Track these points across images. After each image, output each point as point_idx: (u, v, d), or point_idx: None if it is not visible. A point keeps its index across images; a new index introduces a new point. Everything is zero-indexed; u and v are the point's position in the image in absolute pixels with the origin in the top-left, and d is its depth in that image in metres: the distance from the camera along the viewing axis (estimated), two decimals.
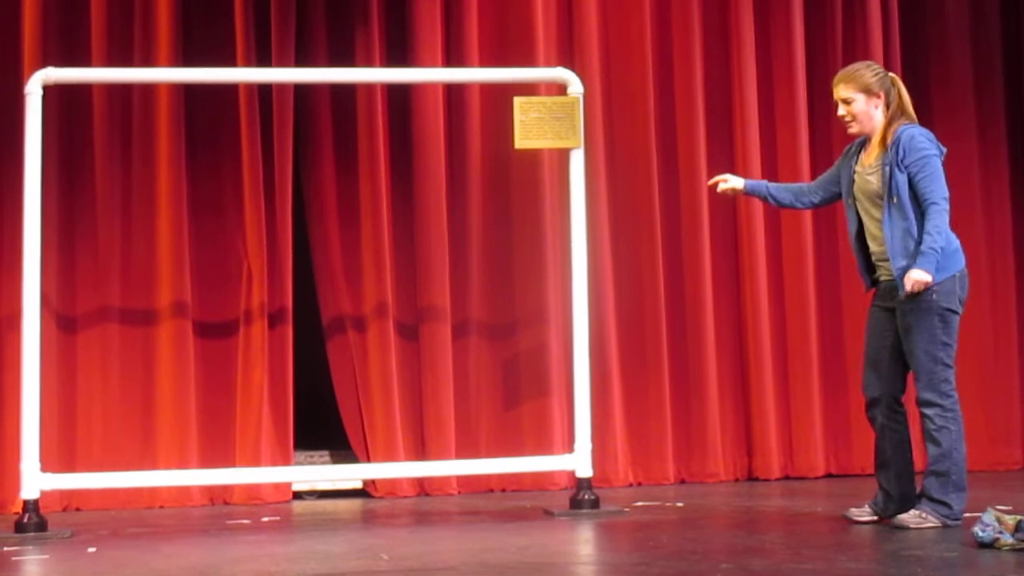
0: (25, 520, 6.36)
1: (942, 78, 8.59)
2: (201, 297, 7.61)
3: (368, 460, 7.61)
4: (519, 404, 7.87)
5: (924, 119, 6.50)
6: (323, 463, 7.86)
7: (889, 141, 5.96)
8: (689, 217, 8.16)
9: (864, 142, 6.17)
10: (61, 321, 7.40)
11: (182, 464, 7.34)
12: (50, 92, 6.77)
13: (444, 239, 7.80)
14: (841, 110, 6.13)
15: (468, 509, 7.10)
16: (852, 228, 6.18)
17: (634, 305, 8.08)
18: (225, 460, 7.44)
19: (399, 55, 7.86)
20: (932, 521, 5.81)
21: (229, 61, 7.58)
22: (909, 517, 5.84)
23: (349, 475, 7.45)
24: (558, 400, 7.82)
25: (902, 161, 5.88)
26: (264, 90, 7.66)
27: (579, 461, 6.84)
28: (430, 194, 7.80)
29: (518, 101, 6.95)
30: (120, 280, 7.53)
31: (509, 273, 7.92)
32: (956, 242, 5.95)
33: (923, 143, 5.91)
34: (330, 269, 7.80)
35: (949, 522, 5.80)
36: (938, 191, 5.84)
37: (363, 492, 7.68)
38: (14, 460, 6.71)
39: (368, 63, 7.78)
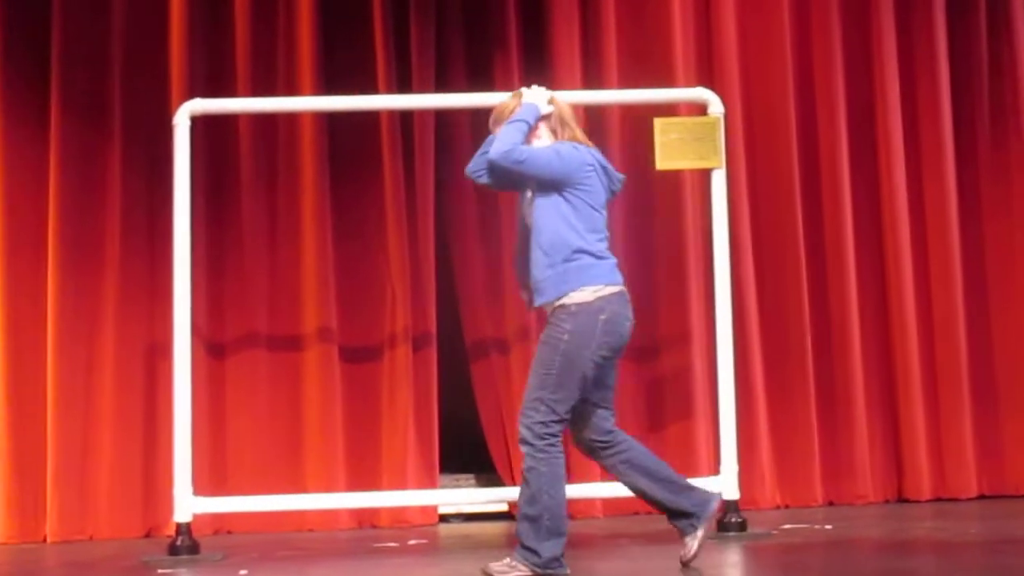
0: (178, 543, 6.48)
1: None
2: (346, 321, 7.69)
3: (513, 483, 7.61)
4: (663, 426, 7.82)
5: None
6: (469, 486, 7.89)
7: None
8: (833, 234, 8.06)
9: None
10: (210, 347, 7.53)
11: (330, 487, 7.42)
12: (197, 122, 6.90)
13: None
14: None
15: (613, 532, 7.07)
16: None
17: (778, 324, 7.99)
18: (372, 483, 7.50)
19: (537, 78, 7.84)
20: (521, 569, 5.34)
21: (371, 87, 7.67)
22: (498, 565, 5.39)
23: (495, 498, 7.46)
24: (703, 421, 7.76)
25: None
26: (406, 115, 7.74)
27: (725, 483, 6.78)
28: None
29: (659, 122, 6.93)
30: (267, 306, 7.65)
31: (651, 294, 7.88)
32: (580, 258, 5.44)
33: (564, 146, 5.54)
34: (472, 292, 7.84)
35: (538, 570, 5.32)
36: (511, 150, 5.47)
37: (508, 515, 7.69)
38: (167, 484, 6.84)
39: (507, 87, 7.80)
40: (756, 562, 5.97)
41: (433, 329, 7.71)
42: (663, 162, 6.92)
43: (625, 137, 7.91)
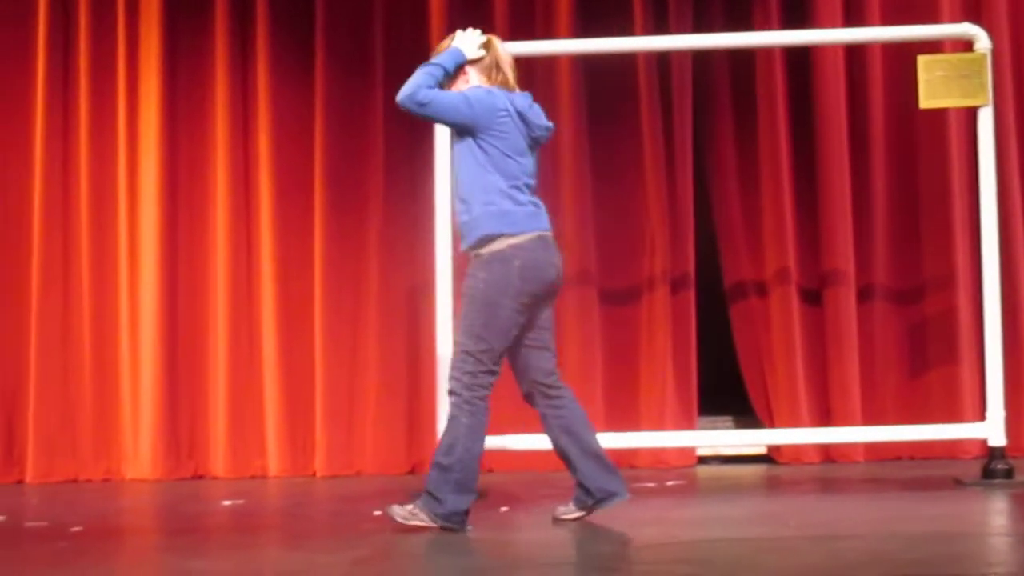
0: None
1: None
2: (604, 264, 7.74)
3: (772, 426, 7.58)
4: (927, 370, 7.66)
5: None
6: (727, 428, 7.88)
7: None
8: None
9: None
10: None
11: None
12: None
13: (847, 202, 7.65)
14: None
15: (874, 477, 6.97)
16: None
17: None
18: (630, 424, 7.55)
19: (797, 16, 7.75)
20: (422, 518, 5.23)
21: (627, 30, 7.66)
22: (400, 509, 5.28)
23: (753, 440, 7.44)
24: (968, 366, 7.56)
25: None
26: (662, 58, 7.71)
27: (992, 429, 6.61)
28: (832, 157, 7.67)
29: (923, 60, 6.75)
30: None
31: (915, 236, 7.71)
32: (497, 204, 5.34)
33: (474, 92, 5.39)
34: (731, 235, 7.79)
35: (438, 521, 5.21)
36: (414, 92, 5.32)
37: (767, 458, 7.66)
38: (430, 422, 6.99)
39: (766, 26, 7.72)
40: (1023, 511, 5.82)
41: (692, 271, 7.70)
42: (927, 100, 6.75)
43: (887, 76, 7.73)
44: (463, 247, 5.40)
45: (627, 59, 7.68)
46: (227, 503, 6.26)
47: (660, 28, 7.72)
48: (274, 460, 7.64)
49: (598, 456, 5.50)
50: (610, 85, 7.80)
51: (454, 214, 5.52)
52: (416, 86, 5.34)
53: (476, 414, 5.28)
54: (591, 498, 5.45)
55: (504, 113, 5.37)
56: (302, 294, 7.70)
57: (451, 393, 5.31)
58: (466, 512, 5.29)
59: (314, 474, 7.62)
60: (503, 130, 5.36)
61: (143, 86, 7.81)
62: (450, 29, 7.50)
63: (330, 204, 7.73)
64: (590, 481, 5.46)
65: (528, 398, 5.55)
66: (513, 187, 5.38)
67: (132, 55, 7.84)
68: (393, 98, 7.46)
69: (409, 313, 7.68)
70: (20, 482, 7.61)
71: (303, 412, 7.68)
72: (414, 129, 7.44)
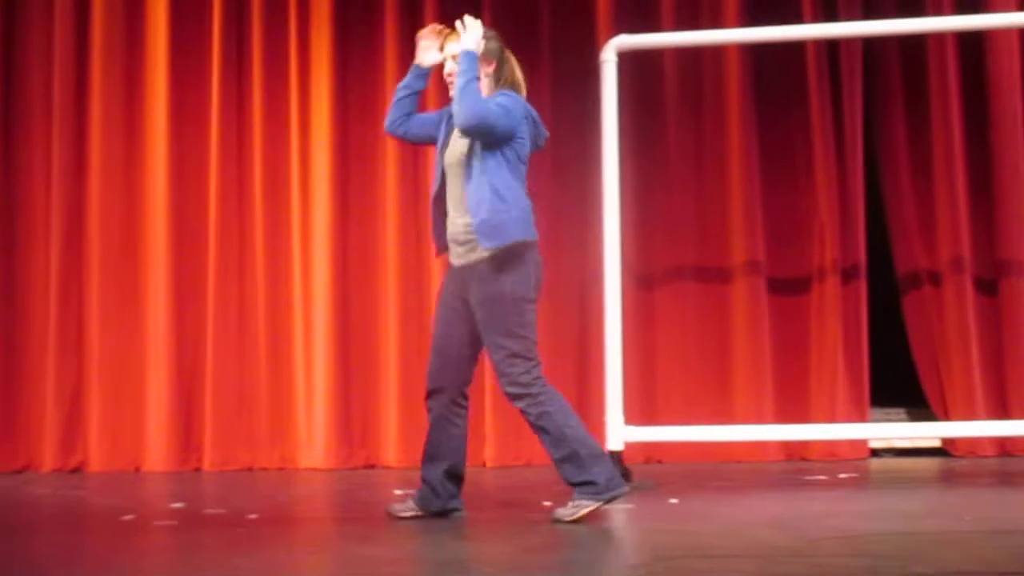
0: None
1: None
2: (774, 254, 7.68)
3: (946, 418, 7.45)
4: None
5: None
6: (900, 420, 7.76)
7: None
8: None
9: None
10: (639, 280, 7.66)
11: (758, 419, 7.44)
12: (623, 58, 6.98)
13: (1023, 189, 7.49)
14: (450, 66, 5.38)
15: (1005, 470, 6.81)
16: (434, 190, 5.40)
17: None
18: (801, 416, 7.48)
19: (969, 1, 7.60)
20: (587, 504, 5.13)
21: (795, 17, 7.58)
22: (564, 511, 5.16)
23: (927, 433, 7.32)
24: None
25: None
26: (832, 44, 7.62)
27: None
28: (1007, 143, 7.52)
29: None
30: (694, 239, 7.72)
31: None
32: (526, 209, 5.25)
33: (508, 99, 5.25)
34: (904, 223, 7.67)
35: (604, 496, 5.13)
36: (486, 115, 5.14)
37: (941, 451, 7.53)
38: (599, 413, 7.01)
39: (937, 11, 7.58)
40: None
41: (863, 260, 7.60)
42: None
43: None
44: (487, 245, 5.19)
45: (796, 47, 7.61)
46: (399, 492, 6.34)
47: (829, 15, 7.63)
48: (392, 454, 7.72)
49: (460, 478, 5.49)
50: (779, 73, 7.74)
51: (463, 214, 5.28)
52: (484, 108, 5.20)
53: (555, 397, 5.25)
54: (434, 505, 5.43)
55: (527, 119, 5.34)
56: None
57: (517, 398, 5.23)
58: (616, 474, 5.29)
59: (484, 464, 7.68)
60: (523, 136, 5.32)
61: (314, 82, 7.92)
62: (617, 25, 7.54)
63: None
64: (442, 493, 5.44)
65: (436, 393, 5.44)
66: (527, 192, 5.36)
67: (303, 51, 7.97)
68: (559, 94, 7.55)
69: (579, 303, 7.70)
70: (198, 470, 7.78)
71: (473, 402, 7.68)
72: (583, 113, 7.45)
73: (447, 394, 5.43)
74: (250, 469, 7.78)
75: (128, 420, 7.85)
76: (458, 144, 5.31)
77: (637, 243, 7.61)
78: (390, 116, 5.51)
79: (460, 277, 5.33)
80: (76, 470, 7.83)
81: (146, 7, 8.04)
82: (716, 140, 7.74)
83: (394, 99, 5.51)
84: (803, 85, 7.68)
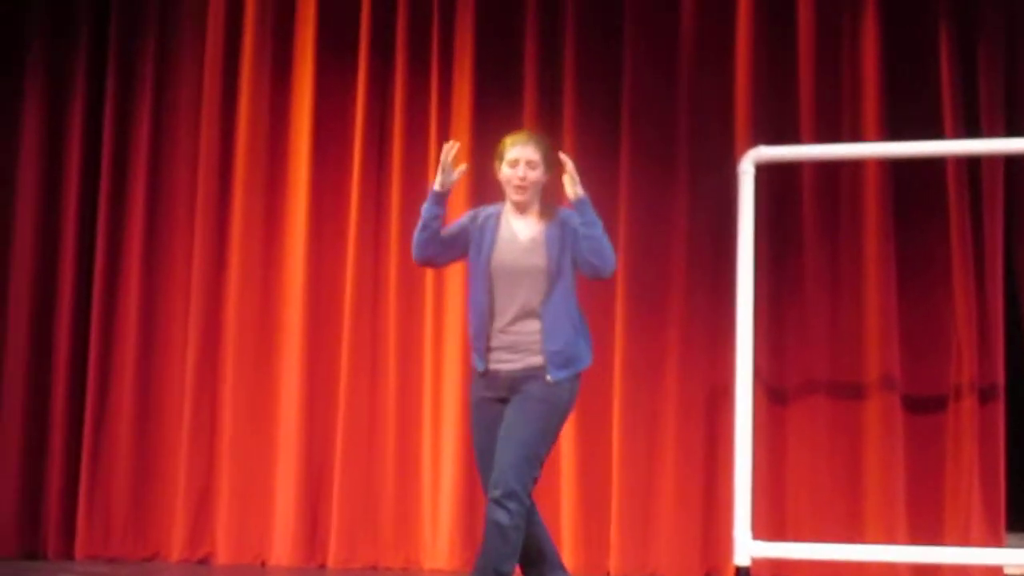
0: None
1: None
2: (909, 370, 7.54)
3: None
4: None
5: None
6: None
7: (551, 217, 5.33)
8: None
9: (500, 213, 5.42)
10: (771, 391, 7.57)
11: (889, 539, 7.28)
12: (761, 169, 6.97)
13: None
14: (522, 171, 5.31)
15: None
16: (481, 298, 5.31)
17: None
18: (933, 537, 7.30)
19: None
20: None
21: (937, 131, 7.51)
22: None
23: None
24: None
25: (569, 238, 5.27)
26: (972, 161, 7.53)
27: None
28: None
29: None
30: (828, 352, 7.61)
31: None
32: (588, 334, 5.38)
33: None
34: None
35: None
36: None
37: None
38: (727, 526, 6.92)
39: None
40: None
41: (1001, 379, 7.44)
42: None
43: None
44: (557, 376, 5.21)
45: (936, 163, 7.53)
46: None
47: (971, 129, 7.54)
48: (568, 556, 7.61)
49: (558, 564, 5.45)
50: (918, 186, 7.65)
51: (529, 323, 5.27)
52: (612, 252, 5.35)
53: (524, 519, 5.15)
54: None
55: None
56: (601, 390, 7.71)
57: (512, 497, 5.07)
58: None
59: (608, 573, 7.60)
60: None
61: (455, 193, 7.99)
62: (754, 136, 7.52)
63: (630, 297, 7.74)
64: None
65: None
66: None
67: (443, 118, 8.10)
68: (695, 204, 7.55)
69: (708, 412, 7.61)
70: (323, 566, 7.82)
71: (598, 509, 7.68)
72: (720, 223, 7.44)
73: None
74: (374, 568, 7.78)
75: (255, 515, 7.94)
76: (525, 254, 5.29)
77: (769, 354, 7.54)
78: (427, 248, 5.43)
79: (504, 379, 5.25)
80: (203, 561, 7.92)
81: (291, 112, 8.25)
82: (852, 252, 7.66)
83: (428, 230, 5.41)
84: (943, 199, 7.58)
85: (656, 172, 7.86)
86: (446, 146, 5.37)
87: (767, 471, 7.42)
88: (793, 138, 7.66)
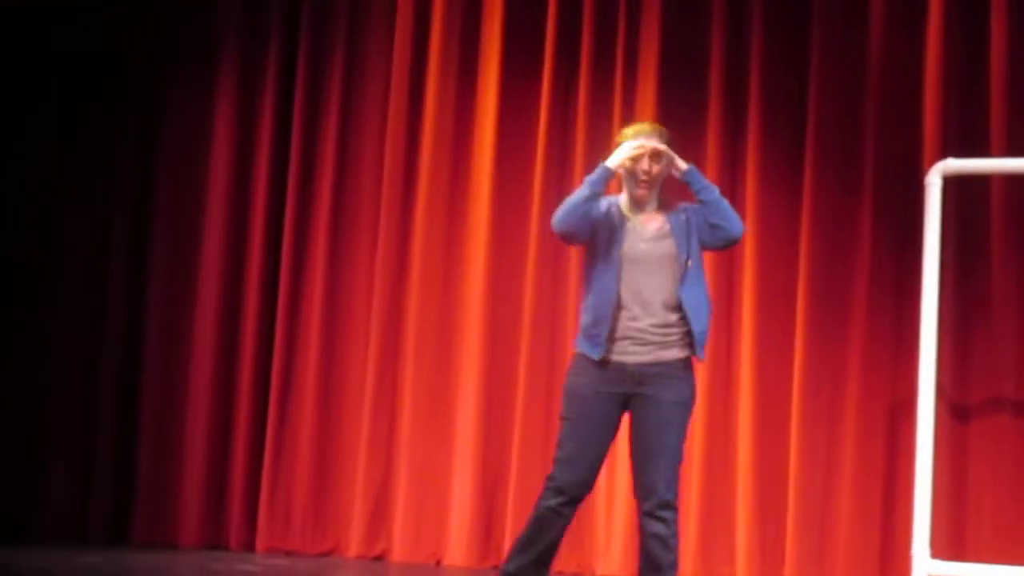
0: None
1: None
2: None
3: None
4: None
5: None
6: None
7: (671, 207, 5.33)
8: None
9: (618, 204, 5.33)
10: (954, 409, 7.43)
11: None
12: (948, 182, 6.85)
13: None
14: (645, 164, 5.22)
15: None
16: (612, 286, 5.15)
17: None
18: None
19: None
20: None
21: None
22: None
23: None
24: None
25: (693, 223, 5.25)
26: None
27: None
28: None
29: None
30: (1015, 371, 7.43)
31: None
32: None
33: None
34: None
35: None
36: None
37: None
38: (904, 542, 6.83)
39: None
40: None
41: None
42: None
43: None
44: (703, 356, 5.29)
45: None
46: None
47: None
48: (742, 567, 7.59)
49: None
50: None
51: (669, 314, 5.20)
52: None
53: None
54: None
55: None
56: (780, 403, 7.66)
57: (667, 507, 5.11)
58: None
59: None
60: None
61: None
62: (943, 148, 7.38)
63: (812, 311, 7.66)
64: None
65: (578, 500, 5.30)
66: None
67: None
68: (880, 216, 7.46)
69: (888, 427, 7.48)
70: (496, 567, 7.84)
71: (774, 519, 7.62)
72: (904, 245, 7.34)
73: (579, 502, 5.29)
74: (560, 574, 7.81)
75: (432, 514, 8.06)
76: (656, 244, 5.23)
77: (953, 371, 7.40)
78: (583, 219, 5.23)
79: (631, 372, 5.17)
80: (379, 558, 8.06)
81: (475, 117, 8.34)
82: (981, 270, 7.46)
83: (591, 201, 5.24)
84: None
85: (840, 184, 7.76)
86: (637, 141, 5.27)
87: (947, 489, 7.28)
88: (983, 150, 7.51)
